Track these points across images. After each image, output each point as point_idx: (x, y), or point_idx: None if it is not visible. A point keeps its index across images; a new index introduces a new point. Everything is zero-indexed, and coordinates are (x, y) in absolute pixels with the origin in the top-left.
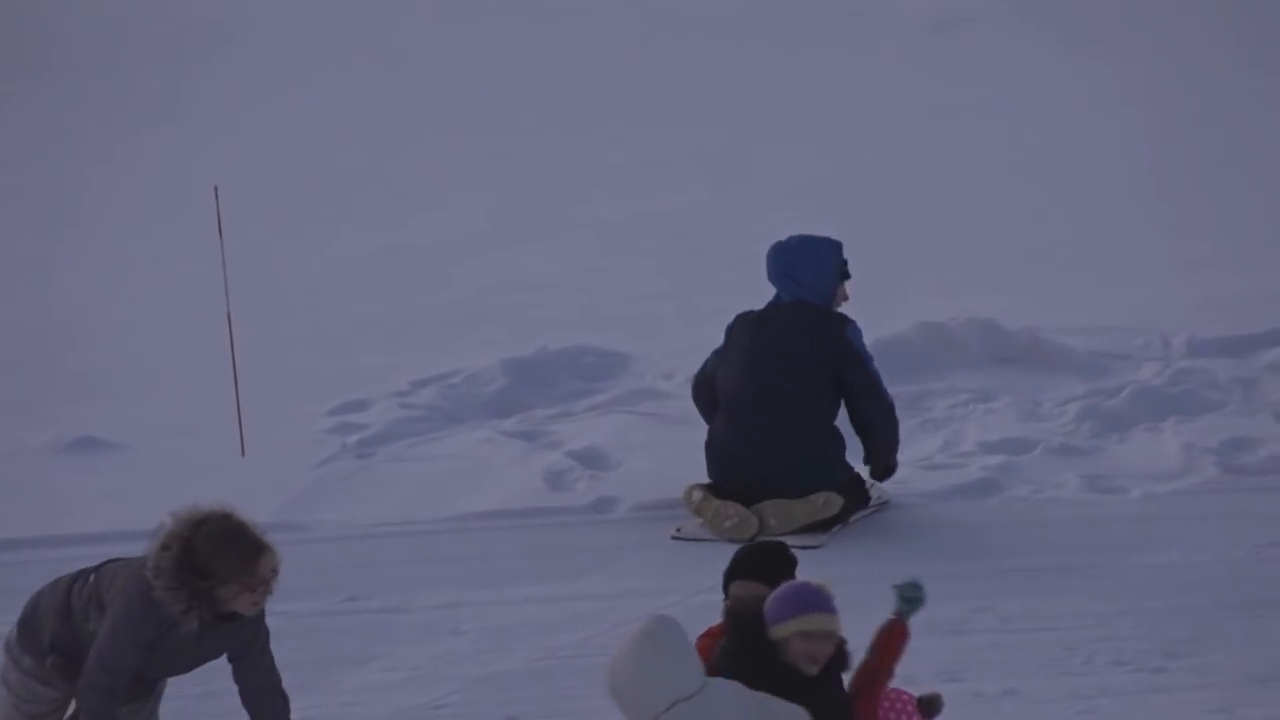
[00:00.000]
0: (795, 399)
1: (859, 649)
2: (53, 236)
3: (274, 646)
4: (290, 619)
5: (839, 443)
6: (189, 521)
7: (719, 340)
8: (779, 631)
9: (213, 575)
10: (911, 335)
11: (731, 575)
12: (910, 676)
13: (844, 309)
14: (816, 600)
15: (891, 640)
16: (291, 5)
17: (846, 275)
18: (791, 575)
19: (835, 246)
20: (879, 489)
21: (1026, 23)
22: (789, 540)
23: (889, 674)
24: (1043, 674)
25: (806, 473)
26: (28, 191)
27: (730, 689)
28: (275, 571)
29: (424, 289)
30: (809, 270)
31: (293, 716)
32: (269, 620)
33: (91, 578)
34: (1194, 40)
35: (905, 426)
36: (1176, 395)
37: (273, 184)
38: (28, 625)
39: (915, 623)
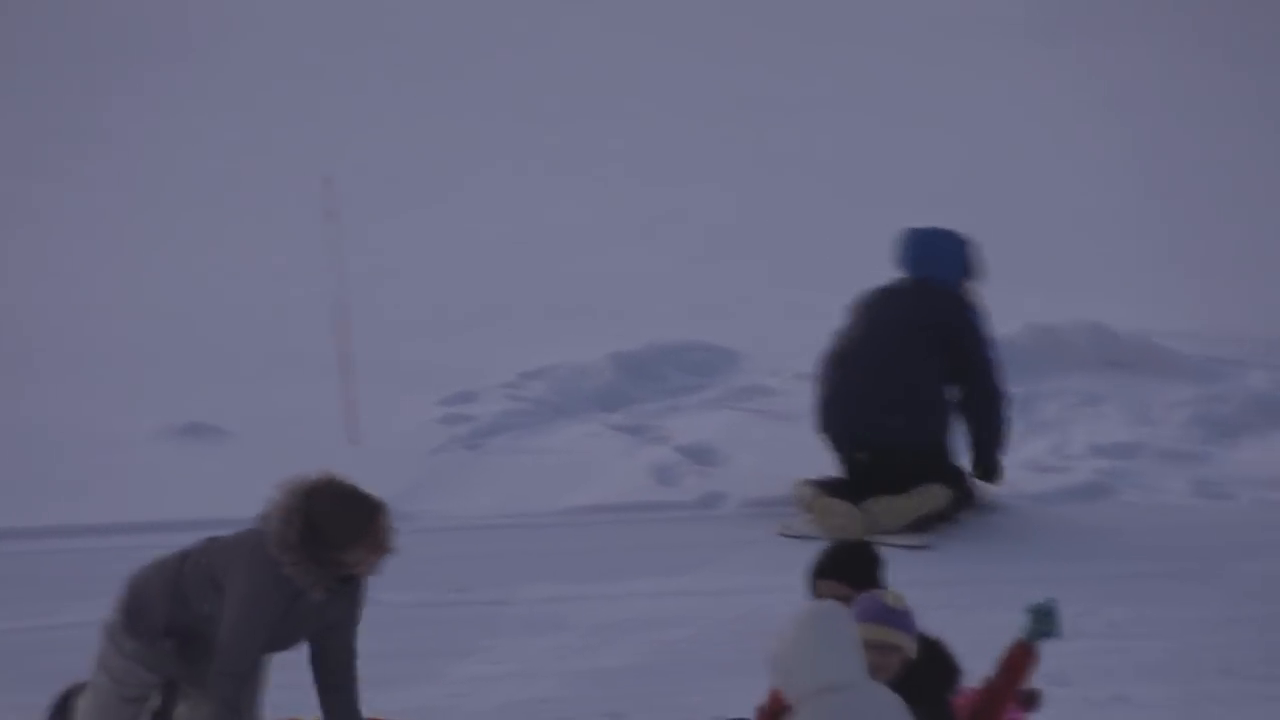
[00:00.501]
0: (906, 357)
1: (965, 654)
2: (164, 223)
3: (380, 637)
4: (396, 610)
5: (946, 418)
6: (300, 493)
7: (827, 337)
8: None
9: (336, 541)
10: (1022, 338)
11: (818, 575)
12: None
13: None
14: (871, 610)
15: (1016, 662)
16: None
17: (977, 273)
18: (875, 575)
19: (969, 243)
20: (985, 491)
21: (1141, 23)
22: (896, 540)
23: (1011, 697)
24: (1150, 680)
25: (910, 429)
26: (136, 177)
27: (892, 700)
28: (393, 529)
29: (533, 281)
30: (941, 259)
31: (397, 707)
32: (377, 610)
33: (201, 556)
34: None
35: (1015, 429)
36: None
37: (386, 174)
38: (132, 610)
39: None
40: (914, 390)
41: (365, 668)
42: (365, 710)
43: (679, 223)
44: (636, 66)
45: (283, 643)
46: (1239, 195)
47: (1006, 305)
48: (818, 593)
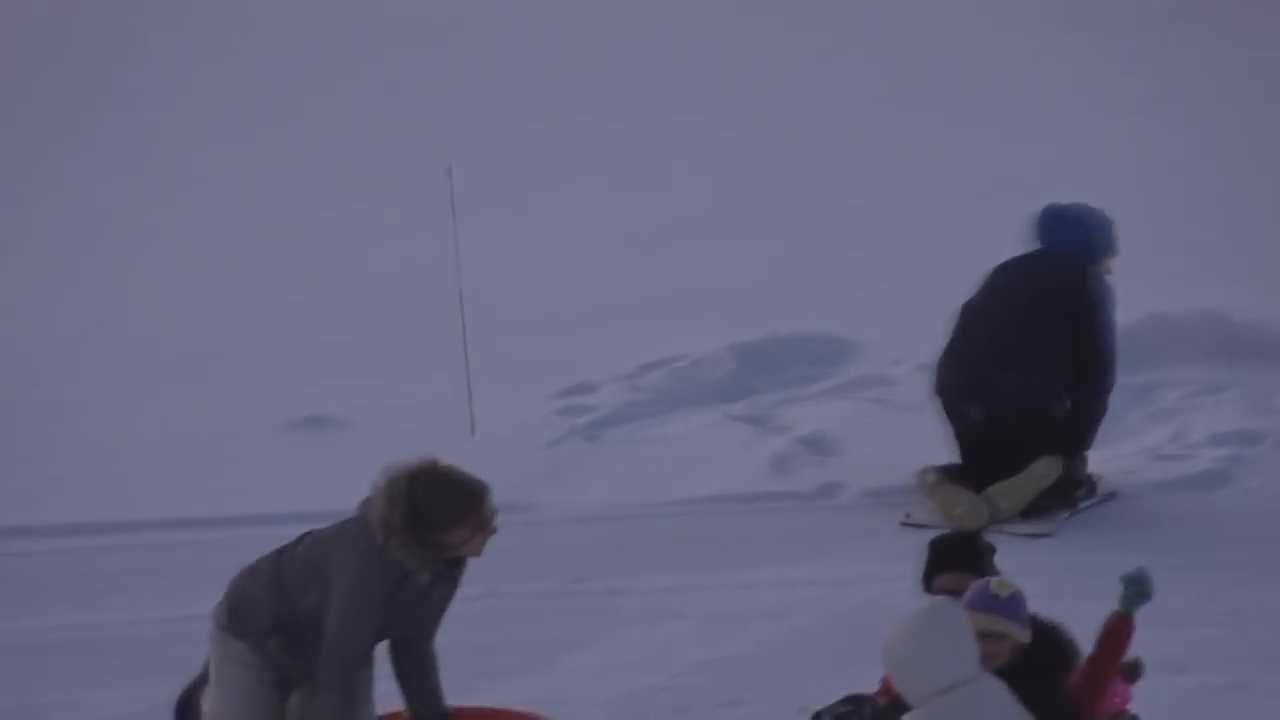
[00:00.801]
0: (1024, 320)
1: (1085, 641)
2: (283, 216)
3: (497, 628)
4: (515, 600)
5: (1060, 384)
6: (404, 476)
7: (945, 327)
8: None
9: (441, 522)
10: (1141, 327)
11: (935, 568)
12: None
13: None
14: (979, 599)
15: (1115, 634)
16: None
17: (1110, 251)
18: (989, 564)
19: (1107, 220)
20: (1107, 480)
21: (1257, 14)
22: (1019, 529)
23: (1115, 670)
24: (1270, 667)
25: (1022, 388)
26: (256, 172)
27: (999, 686)
28: (496, 510)
29: (652, 272)
30: (1078, 234)
31: (516, 698)
32: (495, 601)
33: (299, 550)
34: None
35: (1134, 417)
36: None
37: (505, 166)
38: (237, 612)
39: (1142, 614)
40: (1028, 351)
41: (483, 659)
42: (485, 700)
43: (798, 211)
44: (751, 56)
45: (389, 629)
46: None
47: (1127, 294)
48: (935, 587)
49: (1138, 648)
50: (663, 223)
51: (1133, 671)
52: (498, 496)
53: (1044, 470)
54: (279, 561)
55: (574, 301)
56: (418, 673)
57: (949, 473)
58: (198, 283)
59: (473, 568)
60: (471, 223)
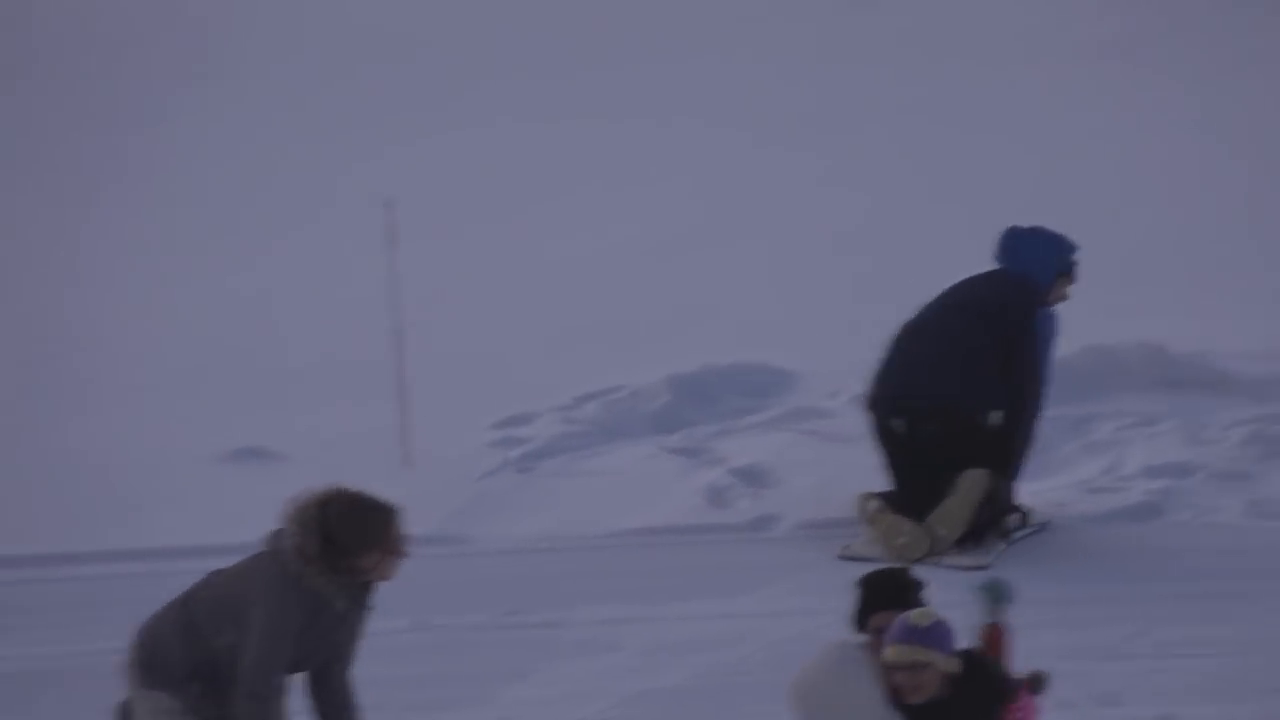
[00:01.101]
0: (960, 333)
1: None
2: (217, 247)
3: (432, 661)
4: (449, 632)
5: (989, 398)
6: (314, 503)
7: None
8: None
9: (354, 547)
10: (1078, 358)
11: (868, 608)
12: (1069, 700)
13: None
14: (899, 632)
15: (992, 644)
16: (465, 11)
17: (1070, 275)
18: (919, 598)
19: (1068, 245)
20: (1040, 511)
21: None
22: (956, 562)
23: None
24: (1199, 700)
25: (950, 395)
26: (188, 200)
27: None
28: (405, 532)
29: (587, 305)
30: (1032, 256)
31: None
32: (428, 633)
33: (205, 591)
34: None
35: (1070, 449)
36: None
37: (440, 197)
38: (151, 665)
39: (1074, 647)
40: (958, 363)
41: (416, 691)
42: None
43: (732, 243)
44: (685, 84)
45: (306, 660)
46: None
47: (1064, 326)
48: (868, 626)
49: (1069, 679)
50: (596, 255)
51: (1037, 684)
52: (431, 527)
53: (970, 485)
54: (186, 606)
55: (509, 333)
56: (336, 707)
57: (890, 501)
58: (128, 312)
59: (406, 599)
60: (411, 252)
